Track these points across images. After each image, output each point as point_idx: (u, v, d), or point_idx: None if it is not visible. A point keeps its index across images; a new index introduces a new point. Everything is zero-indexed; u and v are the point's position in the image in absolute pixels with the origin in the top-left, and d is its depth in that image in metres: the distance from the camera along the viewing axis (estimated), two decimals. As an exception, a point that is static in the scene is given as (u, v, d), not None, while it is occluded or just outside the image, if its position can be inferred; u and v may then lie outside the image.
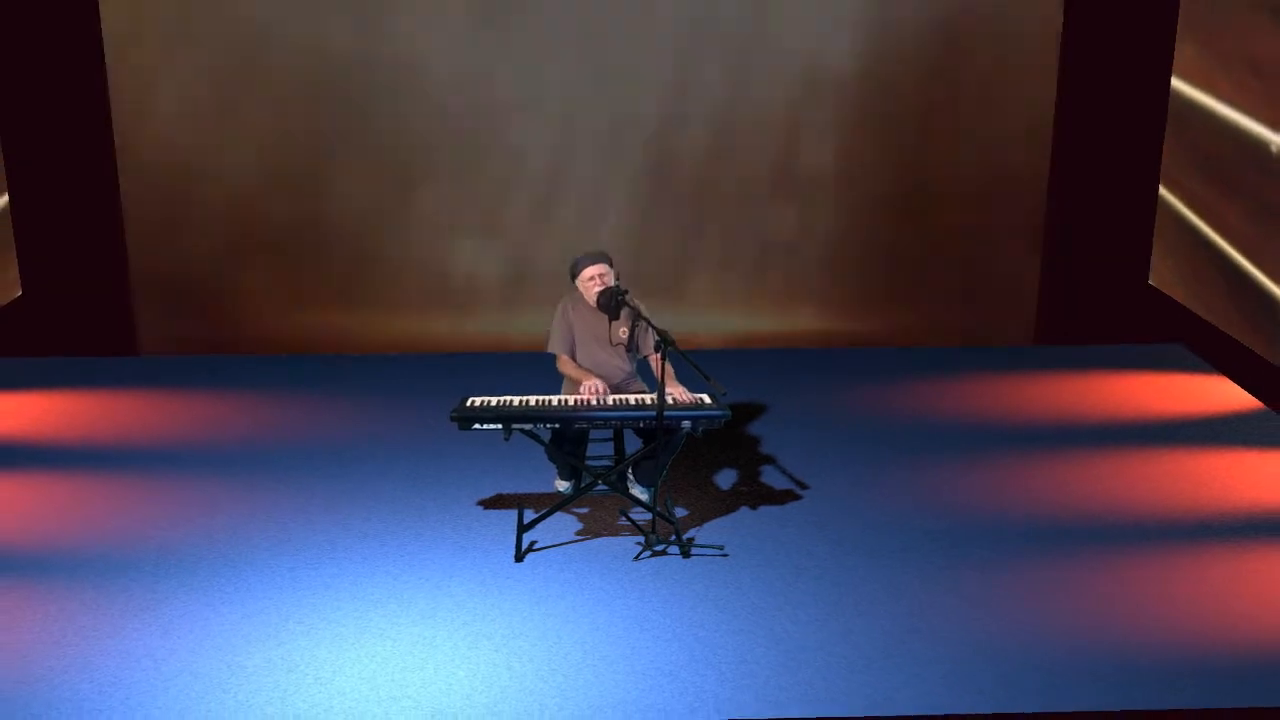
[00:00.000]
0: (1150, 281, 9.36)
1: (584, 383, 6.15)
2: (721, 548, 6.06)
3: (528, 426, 5.97)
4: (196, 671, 4.95)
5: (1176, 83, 8.92)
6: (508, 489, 6.73)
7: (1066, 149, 9.38)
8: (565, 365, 6.33)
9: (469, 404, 5.96)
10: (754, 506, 6.53)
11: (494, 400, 6.00)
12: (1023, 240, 9.60)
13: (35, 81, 8.73)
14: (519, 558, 5.95)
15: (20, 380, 8.32)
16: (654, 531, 6.09)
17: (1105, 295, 9.44)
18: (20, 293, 8.96)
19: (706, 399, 6.09)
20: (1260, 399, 7.86)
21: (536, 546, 6.08)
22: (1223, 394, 8.03)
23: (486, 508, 6.52)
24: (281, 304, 9.49)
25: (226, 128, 9.08)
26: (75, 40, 8.71)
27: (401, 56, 9.08)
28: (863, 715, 4.69)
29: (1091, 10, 9.10)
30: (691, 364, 5.92)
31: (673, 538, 6.11)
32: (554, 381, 6.47)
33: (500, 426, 5.89)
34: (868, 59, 9.26)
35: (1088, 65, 9.20)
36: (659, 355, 5.96)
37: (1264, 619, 5.34)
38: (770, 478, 6.91)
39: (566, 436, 6.22)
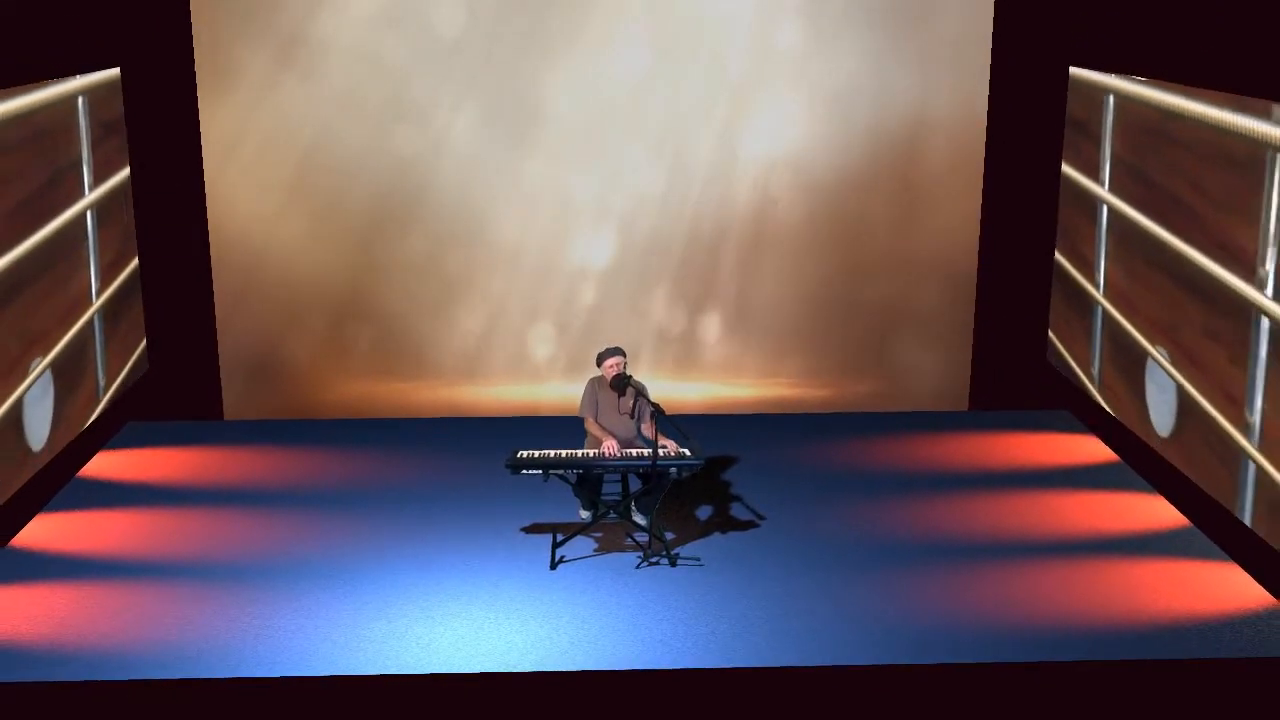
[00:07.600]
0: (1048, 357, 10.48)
1: (604, 442, 7.48)
2: (699, 559, 7.38)
3: (560, 471, 7.39)
4: (334, 640, 6.53)
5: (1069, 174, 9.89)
6: (543, 518, 7.96)
7: (989, 242, 10.16)
8: (591, 426, 7.69)
9: (518, 455, 7.42)
10: (724, 531, 7.83)
11: (535, 452, 7.44)
12: (955, 320, 10.33)
13: (149, 203, 9.91)
14: (553, 566, 7.31)
15: (154, 439, 9.54)
16: (650, 547, 7.39)
17: (1012, 368, 10.45)
18: (148, 368, 10.23)
19: (688, 452, 7.37)
20: (1120, 455, 9.18)
21: (566, 559, 7.42)
22: (1090, 450, 9.30)
23: (528, 531, 7.81)
24: (349, 375, 10.23)
25: (298, 231, 9.96)
26: (180, 165, 9.89)
27: (442, 163, 9.85)
28: (790, 665, 6.30)
29: (1012, 115, 9.93)
30: (676, 427, 7.38)
31: (664, 552, 7.36)
32: (575, 440, 7.87)
33: (540, 471, 7.34)
34: (818, 168, 9.96)
35: (1007, 162, 9.99)
36: (653, 420, 7.45)
37: (1082, 605, 6.91)
38: (735, 510, 8.15)
39: (588, 479, 7.65)
